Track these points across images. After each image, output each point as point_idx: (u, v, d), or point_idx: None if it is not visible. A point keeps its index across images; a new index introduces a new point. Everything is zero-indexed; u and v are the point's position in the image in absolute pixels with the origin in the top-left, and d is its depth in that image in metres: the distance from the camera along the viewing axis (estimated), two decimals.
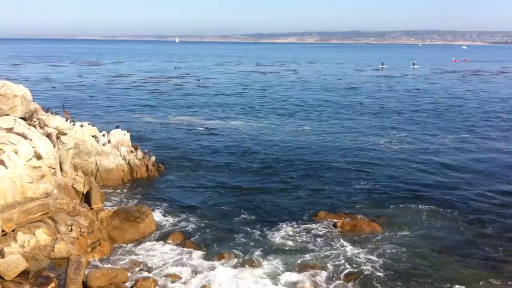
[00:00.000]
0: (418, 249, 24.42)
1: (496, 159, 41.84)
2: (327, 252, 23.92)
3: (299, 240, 25.32)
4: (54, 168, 27.10)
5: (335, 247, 24.52)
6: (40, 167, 25.27)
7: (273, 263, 22.83)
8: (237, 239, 25.45)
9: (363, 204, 30.60)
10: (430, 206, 29.98)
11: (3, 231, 22.00)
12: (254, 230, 26.46)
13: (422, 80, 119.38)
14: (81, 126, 34.80)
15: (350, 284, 21.16)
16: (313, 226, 27.07)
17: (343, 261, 23.05)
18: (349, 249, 24.25)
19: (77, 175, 30.99)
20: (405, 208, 29.89)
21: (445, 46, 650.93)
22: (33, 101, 30.87)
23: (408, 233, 26.29)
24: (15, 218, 22.61)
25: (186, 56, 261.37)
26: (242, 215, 28.64)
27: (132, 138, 38.73)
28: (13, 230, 22.21)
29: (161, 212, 28.84)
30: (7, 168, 23.59)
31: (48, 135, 28.06)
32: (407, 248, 24.48)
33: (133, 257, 23.32)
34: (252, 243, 24.93)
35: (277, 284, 21.06)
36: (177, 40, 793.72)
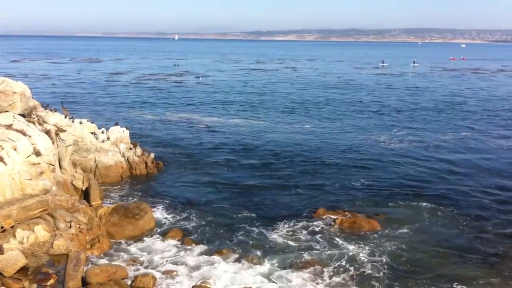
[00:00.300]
0: (417, 247, 24.43)
1: (496, 157, 41.87)
2: (326, 249, 23.93)
3: (298, 237, 25.32)
4: (53, 165, 27.09)
5: (334, 244, 24.53)
6: (39, 163, 25.25)
7: (272, 260, 22.83)
8: (236, 235, 25.46)
9: (362, 201, 30.61)
10: (429, 204, 29.99)
11: (2, 227, 21.99)
12: (253, 227, 26.46)
13: (422, 78, 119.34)
14: (80, 123, 34.79)
15: (348, 281, 21.16)
16: (312, 223, 27.06)
17: (341, 258, 23.05)
18: (348, 246, 24.24)
19: (76, 172, 31.00)
20: (404, 206, 29.91)
21: (445, 44, 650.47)
22: (32, 97, 30.84)
23: (407, 230, 26.30)
24: (14, 214, 22.59)
25: (185, 53, 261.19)
26: (242, 212, 28.64)
27: (131, 135, 38.72)
28: (12, 227, 22.20)
29: (160, 209, 28.84)
30: (6, 164, 23.58)
31: (47, 132, 28.04)
32: (406, 245, 24.48)
33: (132, 253, 23.33)
34: (251, 240, 24.94)
35: (276, 281, 21.06)
36: (176, 38, 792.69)
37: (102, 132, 36.20)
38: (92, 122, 36.17)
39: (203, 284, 20.30)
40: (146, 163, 36.04)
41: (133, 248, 23.87)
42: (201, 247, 23.93)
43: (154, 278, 20.37)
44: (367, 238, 25.19)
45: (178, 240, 24.66)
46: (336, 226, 26.58)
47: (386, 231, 26.13)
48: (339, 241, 24.88)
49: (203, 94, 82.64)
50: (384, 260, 22.99)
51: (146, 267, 21.88)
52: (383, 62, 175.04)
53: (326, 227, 26.50)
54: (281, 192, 32.22)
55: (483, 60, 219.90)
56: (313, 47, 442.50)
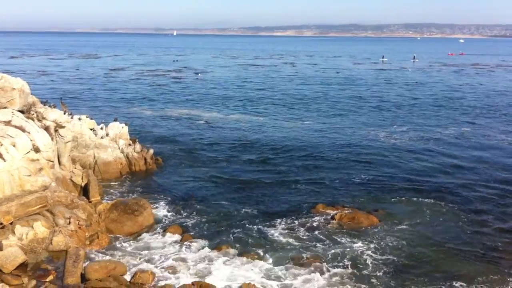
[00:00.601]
0: (417, 242, 24.44)
1: (497, 152, 41.92)
2: (325, 245, 23.95)
3: (297, 233, 25.33)
4: (52, 161, 27.07)
5: (332, 240, 24.53)
6: (38, 160, 25.23)
7: (271, 256, 22.84)
8: (235, 231, 25.47)
9: (362, 197, 30.62)
10: (429, 199, 30.00)
11: (1, 224, 21.97)
12: (252, 223, 26.47)
13: (422, 74, 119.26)
14: (79, 119, 34.73)
15: (348, 277, 21.17)
16: (311, 218, 27.07)
17: (340, 253, 23.07)
18: (347, 242, 24.27)
19: (75, 168, 30.96)
20: (404, 201, 29.92)
21: (444, 39, 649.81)
22: (31, 94, 30.76)
23: (406, 226, 26.31)
24: (13, 211, 22.57)
25: (184, 49, 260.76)
26: (241, 208, 28.63)
27: (130, 131, 38.69)
28: (11, 223, 22.18)
29: (159, 205, 28.83)
30: (5, 161, 23.56)
31: (46, 128, 28.00)
32: (405, 241, 24.50)
33: (131, 249, 23.33)
34: (250, 236, 24.95)
35: (275, 277, 21.07)
36: (174, 33, 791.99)
37: (101, 128, 36.15)
38: (91, 118, 36.10)
39: (202, 280, 20.30)
40: (145, 159, 36.01)
41: (132, 244, 23.87)
42: (200, 243, 23.94)
43: (153, 274, 20.37)
44: (366, 234, 25.20)
45: (177, 236, 24.66)
46: (335, 221, 26.57)
47: (386, 226, 26.15)
48: (338, 236, 24.88)
49: (202, 90, 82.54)
50: (384, 255, 23.00)
51: (145, 263, 21.87)
52: (383, 57, 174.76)
53: (325, 223, 26.51)
54: (281, 188, 32.22)
55: (482, 55, 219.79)
56: (312, 42, 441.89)
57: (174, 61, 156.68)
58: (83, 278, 19.63)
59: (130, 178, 33.94)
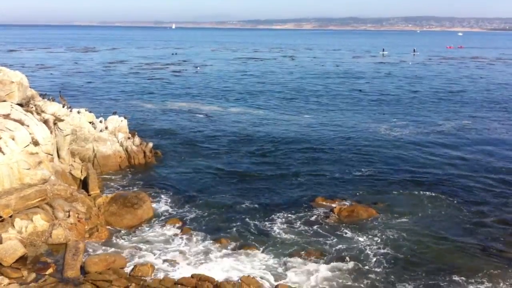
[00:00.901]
0: (417, 235, 24.43)
1: (497, 145, 41.87)
2: (324, 238, 23.95)
3: (296, 226, 25.34)
4: (52, 154, 27.04)
5: (332, 232, 24.53)
6: (37, 153, 25.20)
7: (270, 249, 22.86)
8: (234, 224, 25.46)
9: (361, 190, 30.60)
10: (429, 193, 29.99)
11: (0, 217, 21.96)
12: (252, 216, 26.46)
13: (422, 67, 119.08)
14: (78, 112, 34.64)
15: (347, 270, 21.18)
16: (311, 211, 27.08)
17: (339, 246, 23.08)
18: (346, 235, 24.28)
19: (74, 161, 30.96)
20: (403, 194, 29.91)
21: (443, 32, 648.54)
22: (30, 87, 30.69)
23: (406, 219, 26.31)
24: (12, 204, 22.56)
25: (183, 42, 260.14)
26: (240, 201, 28.61)
27: (130, 124, 38.61)
28: (10, 216, 22.18)
29: (158, 198, 28.81)
30: (4, 154, 23.53)
31: (45, 122, 27.95)
32: (405, 234, 24.49)
33: (130, 242, 23.34)
34: (249, 229, 24.96)
35: (274, 270, 21.09)
36: (173, 26, 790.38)
37: (100, 122, 36.08)
38: (90, 112, 36.02)
39: (201, 273, 20.30)
40: (144, 153, 35.96)
41: (131, 237, 23.88)
42: (200, 236, 23.95)
43: (152, 266, 20.40)
44: (365, 227, 25.21)
45: (177, 229, 24.68)
46: (334, 214, 26.57)
47: (386, 219, 26.15)
48: (338, 229, 24.88)
49: (201, 83, 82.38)
50: (383, 248, 23.02)
51: (144, 256, 21.90)
52: (383, 50, 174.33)
53: (325, 216, 26.50)
54: (280, 181, 32.20)
55: (481, 48, 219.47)
56: (312, 35, 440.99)
57: (173, 54, 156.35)
58: (83, 271, 19.67)
59: (130, 172, 33.91)
